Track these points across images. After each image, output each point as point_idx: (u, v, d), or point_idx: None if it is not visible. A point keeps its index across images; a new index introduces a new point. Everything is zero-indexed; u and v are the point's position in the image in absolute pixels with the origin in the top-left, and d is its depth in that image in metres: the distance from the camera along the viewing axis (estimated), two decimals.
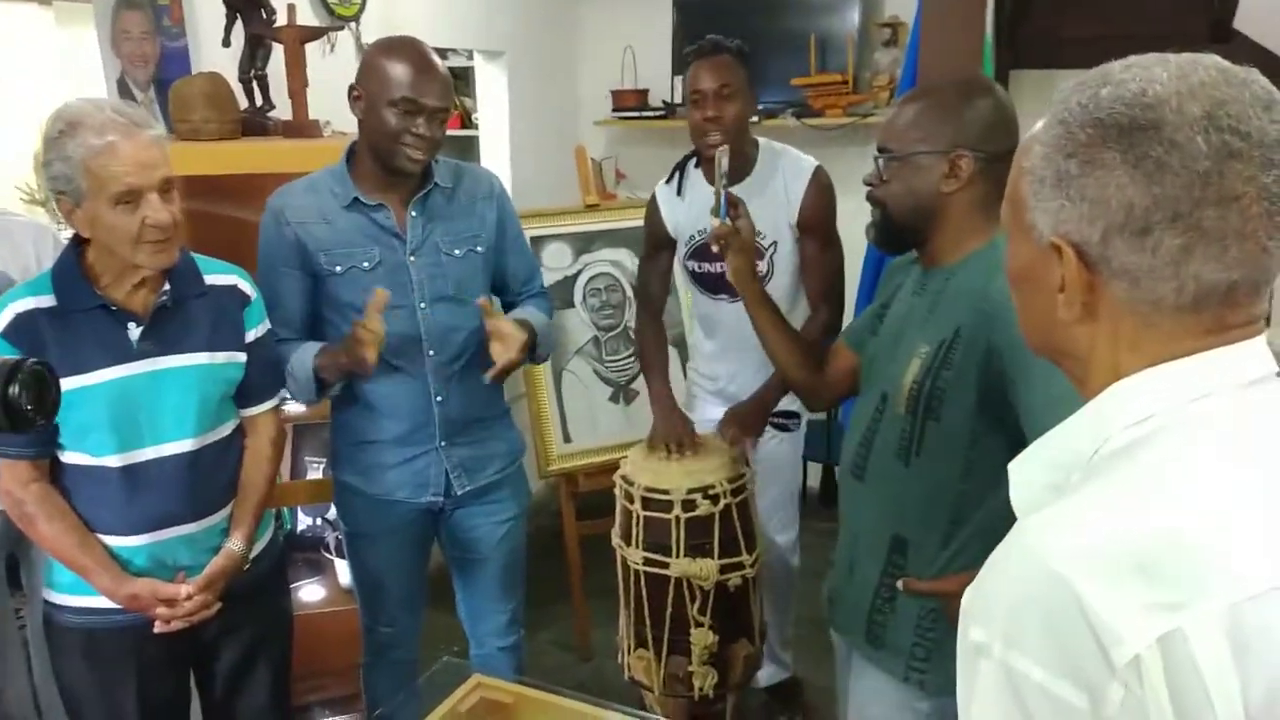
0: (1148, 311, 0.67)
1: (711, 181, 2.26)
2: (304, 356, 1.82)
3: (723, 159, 1.69)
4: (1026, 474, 0.75)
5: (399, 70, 1.75)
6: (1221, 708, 0.55)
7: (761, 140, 2.29)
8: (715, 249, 1.67)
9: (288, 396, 1.79)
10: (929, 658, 1.44)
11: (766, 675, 2.54)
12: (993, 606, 0.63)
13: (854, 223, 2.25)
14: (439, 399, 1.93)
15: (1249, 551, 0.60)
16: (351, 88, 1.81)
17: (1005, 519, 1.32)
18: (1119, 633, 0.56)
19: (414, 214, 1.88)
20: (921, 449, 1.41)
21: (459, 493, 1.99)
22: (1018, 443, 1.26)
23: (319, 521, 2.54)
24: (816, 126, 3.57)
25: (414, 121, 1.76)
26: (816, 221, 2.25)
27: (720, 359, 2.43)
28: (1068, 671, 0.57)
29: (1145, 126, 0.64)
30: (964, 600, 0.66)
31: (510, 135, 3.72)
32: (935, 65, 1.82)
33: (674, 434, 2.16)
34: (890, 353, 1.50)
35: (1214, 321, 0.66)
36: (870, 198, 1.48)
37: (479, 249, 1.95)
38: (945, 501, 1.41)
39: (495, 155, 3.76)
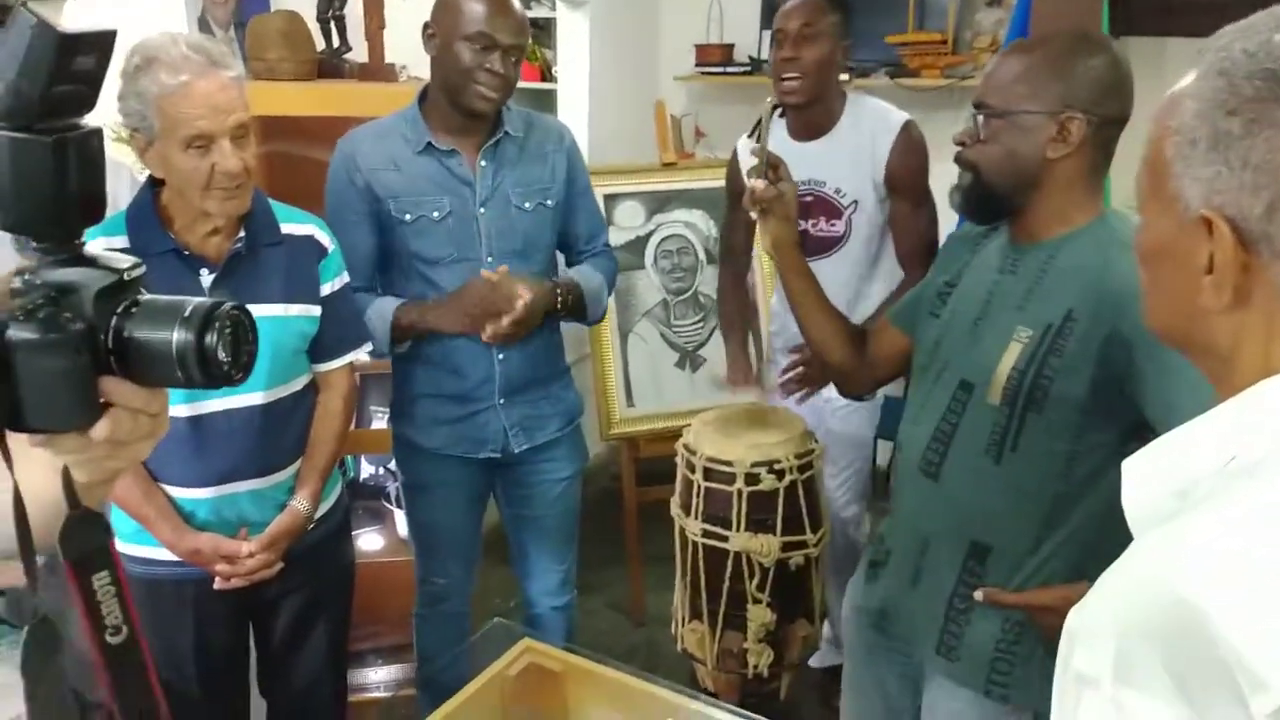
0: None
1: (797, 135, 2.16)
2: (384, 310, 1.80)
3: (768, 113, 1.53)
4: (1146, 475, 0.65)
5: (475, 6, 1.70)
6: None
7: (851, 95, 2.17)
8: (754, 215, 1.50)
9: (365, 353, 1.77)
10: (1012, 670, 1.34)
11: (821, 657, 2.47)
12: (1103, 634, 0.54)
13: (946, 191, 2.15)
14: (500, 357, 1.89)
15: None
16: (426, 25, 1.77)
17: (1103, 525, 1.27)
18: (1263, 677, 0.47)
19: (484, 163, 1.83)
20: (1018, 444, 1.28)
21: (516, 450, 1.96)
22: (1126, 440, 1.23)
23: (381, 471, 2.54)
24: (911, 88, 3.39)
25: (488, 58, 1.71)
26: (907, 179, 2.11)
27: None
28: (1190, 717, 0.49)
29: None
30: (1070, 622, 0.58)
31: (590, 89, 3.64)
32: (1050, 25, 1.67)
33: (745, 381, 2.20)
34: (970, 336, 1.36)
35: None
36: (960, 159, 1.33)
37: (548, 202, 1.89)
38: (1038, 503, 1.30)
39: (573, 110, 3.68)
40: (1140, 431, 1.23)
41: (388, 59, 2.19)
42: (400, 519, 2.37)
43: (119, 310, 0.63)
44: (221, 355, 0.63)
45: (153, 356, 0.62)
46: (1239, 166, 0.57)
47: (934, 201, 2.16)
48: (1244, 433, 0.58)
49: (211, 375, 0.63)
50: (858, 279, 2.20)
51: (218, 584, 1.56)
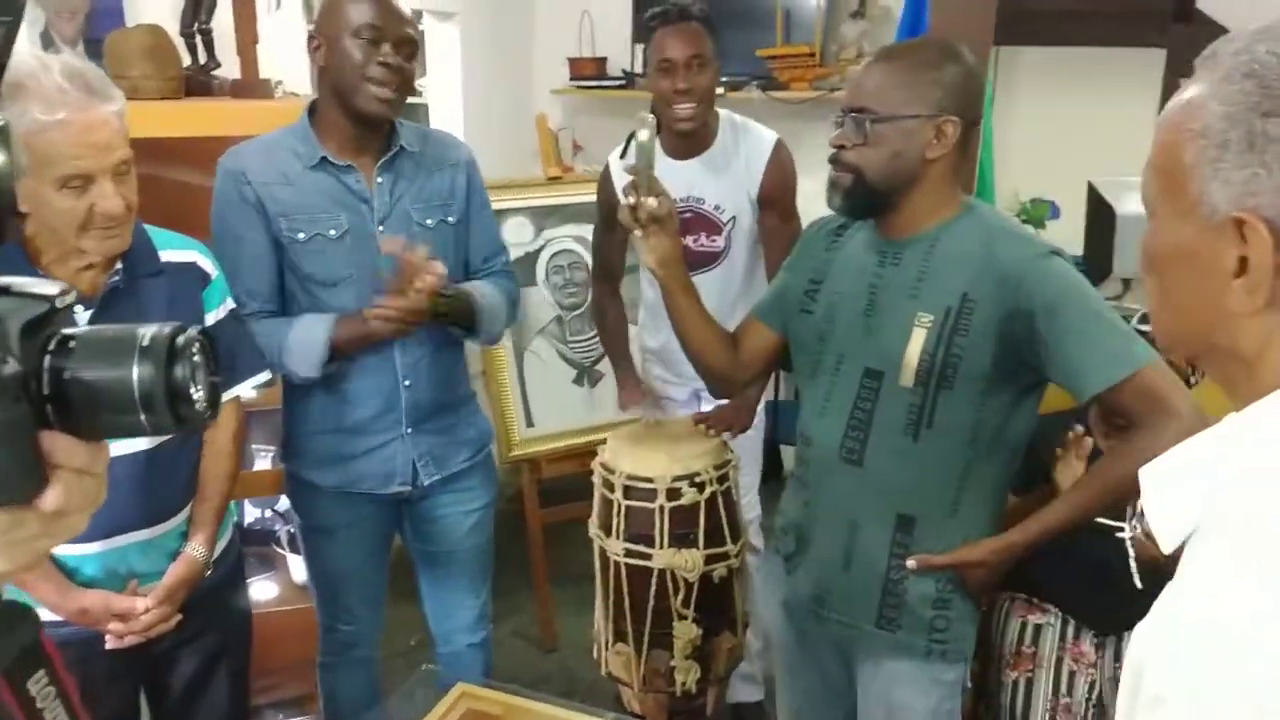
0: None
1: (675, 154, 2.17)
2: (313, 328, 1.68)
3: (650, 134, 1.44)
4: (1170, 483, 0.64)
5: (359, 2, 1.62)
6: None
7: (722, 112, 2.21)
8: (637, 233, 1.46)
9: (254, 386, 1.64)
10: (948, 628, 1.45)
11: (736, 692, 2.47)
12: (1173, 662, 0.53)
13: (820, 198, 2.20)
14: (407, 383, 1.80)
15: None
16: (311, 37, 1.67)
17: (1004, 478, 1.43)
18: None
19: (381, 179, 1.74)
20: (933, 421, 1.38)
21: (426, 482, 1.87)
22: (1021, 399, 1.39)
23: (268, 513, 2.38)
24: (782, 99, 3.48)
25: (379, 50, 1.62)
26: (778, 195, 2.20)
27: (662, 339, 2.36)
28: None
29: None
30: (1141, 650, 0.57)
31: (464, 103, 3.55)
32: (948, 25, 1.73)
33: (639, 400, 2.24)
34: (864, 327, 1.45)
35: None
36: (840, 161, 1.39)
37: (450, 219, 1.82)
38: (954, 470, 1.41)
39: (446, 124, 3.59)
40: (1032, 390, 1.40)
41: (262, 74, 2.05)
42: (294, 564, 2.23)
43: (51, 348, 0.50)
44: (195, 391, 0.52)
45: (107, 401, 0.50)
46: (1278, 167, 0.58)
47: (799, 215, 2.24)
48: (1269, 435, 0.58)
49: (182, 417, 0.52)
50: (736, 291, 2.26)
51: (110, 643, 1.42)
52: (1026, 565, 1.84)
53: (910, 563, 1.41)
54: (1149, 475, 0.66)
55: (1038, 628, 1.93)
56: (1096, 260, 2.32)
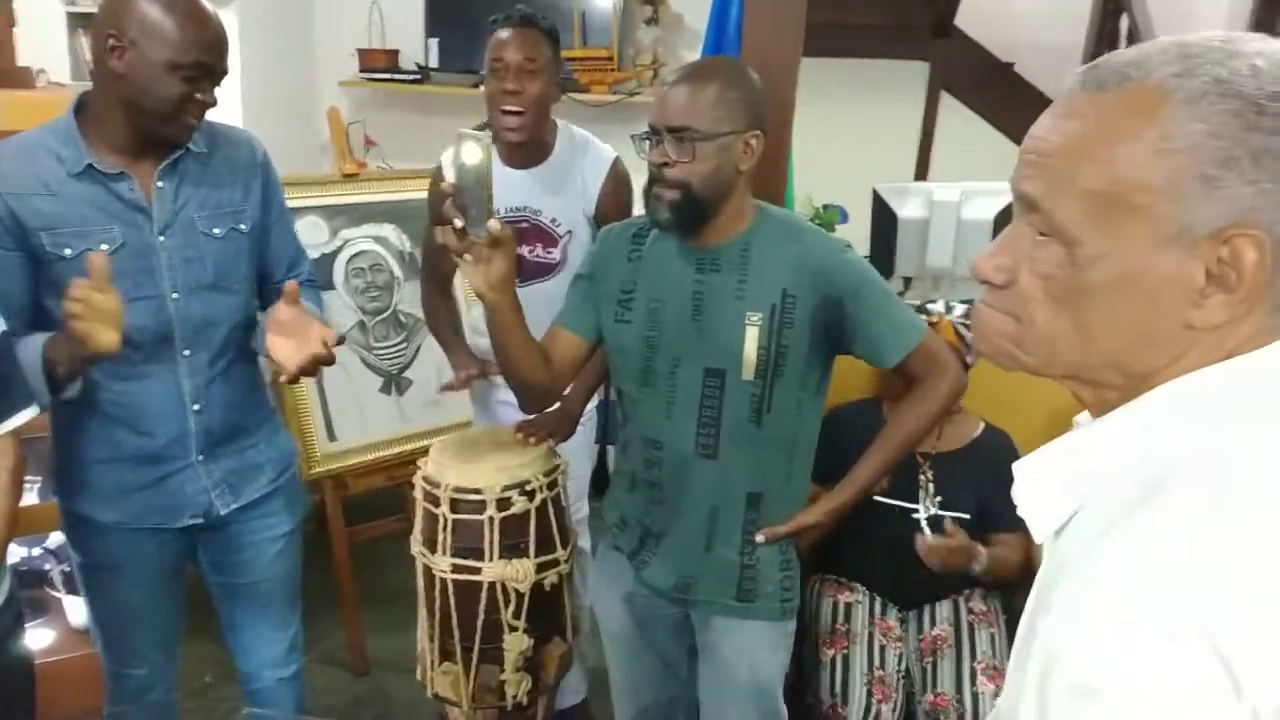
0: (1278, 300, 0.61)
1: (511, 163, 2.12)
2: (31, 348, 1.44)
3: (469, 153, 1.30)
4: (1044, 478, 0.68)
5: (187, 28, 1.45)
6: None
7: (560, 124, 2.18)
8: (467, 258, 1.37)
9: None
10: (791, 587, 1.64)
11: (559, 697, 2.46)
12: (1098, 645, 0.55)
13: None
14: (196, 406, 1.64)
15: None
16: (108, 32, 1.45)
17: (815, 444, 1.62)
18: (1252, 675, 0.51)
19: (161, 185, 1.57)
20: (771, 406, 1.53)
21: (223, 512, 1.72)
22: (825, 373, 1.59)
23: (38, 552, 2.11)
24: (582, 102, 3.49)
25: (200, 87, 1.49)
26: (615, 213, 2.18)
27: None
28: (1190, 709, 0.51)
29: None
30: (1049, 637, 0.58)
31: (243, 95, 3.30)
32: (761, 47, 1.79)
33: (475, 369, 2.18)
34: (696, 331, 1.54)
35: None
36: (666, 179, 1.46)
37: (242, 227, 1.67)
38: (787, 445, 1.58)
39: (221, 116, 3.32)
40: (832, 361, 1.59)
41: (20, 62, 1.81)
42: (72, 606, 1.99)
43: None
44: None
45: None
46: None
47: None
48: (1153, 430, 0.62)
49: None
50: None
51: None
52: (834, 548, 1.96)
53: (759, 537, 1.59)
54: (1023, 469, 0.70)
55: (849, 605, 2.05)
56: (881, 261, 2.49)
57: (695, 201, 1.47)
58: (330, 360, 1.63)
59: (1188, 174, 0.59)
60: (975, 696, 1.86)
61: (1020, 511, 0.70)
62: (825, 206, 2.85)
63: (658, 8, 3.56)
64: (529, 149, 2.11)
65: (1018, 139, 3.08)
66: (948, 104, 4.06)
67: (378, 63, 3.67)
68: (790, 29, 1.77)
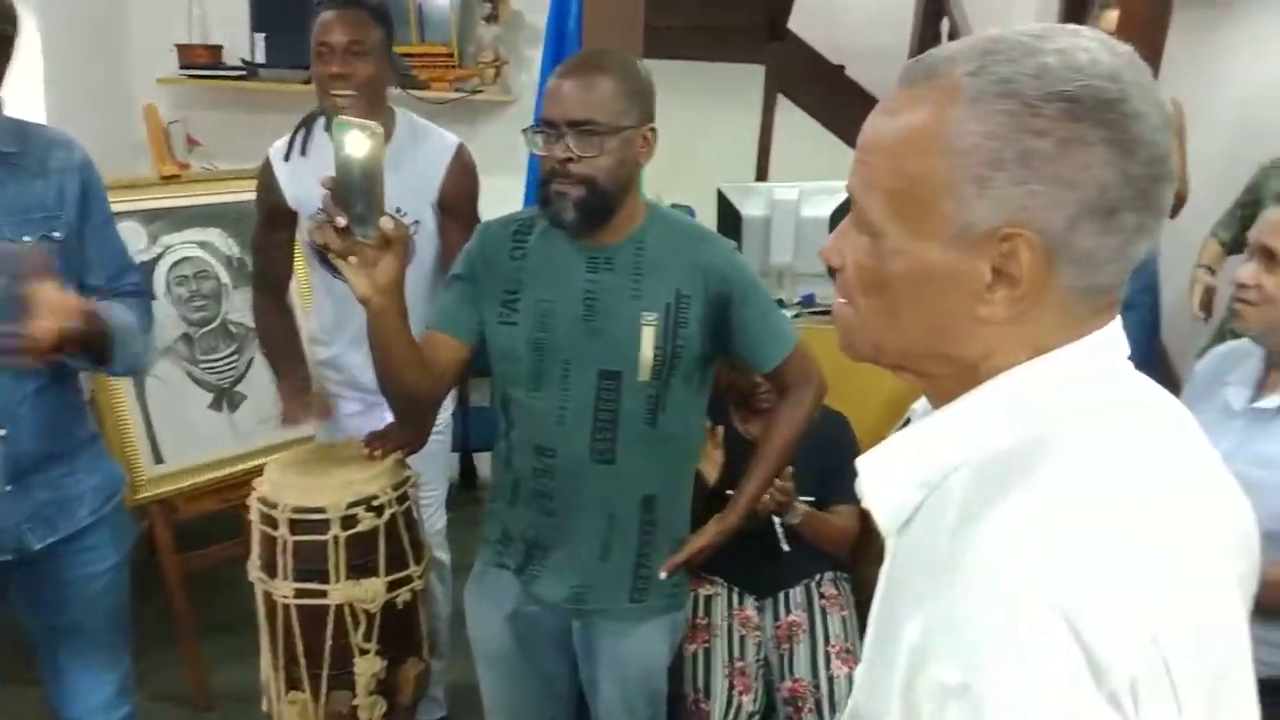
0: (1078, 298, 0.63)
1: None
2: None
3: (353, 144, 1.19)
4: (889, 469, 0.69)
5: None
6: (1187, 702, 0.55)
7: (400, 111, 2.10)
8: (351, 260, 1.25)
9: None
10: (680, 581, 1.64)
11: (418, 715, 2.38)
12: (964, 639, 0.55)
13: (485, 203, 2.19)
14: (3, 432, 1.49)
15: (1188, 533, 0.60)
16: None
17: (700, 441, 1.66)
18: (1111, 662, 0.53)
19: None
20: (666, 406, 1.50)
21: (37, 547, 1.57)
22: (708, 372, 1.57)
23: None
24: (423, 99, 3.38)
25: None
26: (459, 201, 2.13)
27: (354, 349, 2.20)
28: (1058, 697, 0.52)
29: (1117, 99, 0.59)
30: (914, 636, 0.58)
31: (46, 93, 3.03)
32: (600, 41, 1.78)
33: (306, 412, 2.06)
34: (588, 332, 1.48)
35: (1109, 301, 0.65)
36: (569, 175, 1.40)
37: (56, 234, 1.52)
38: (678, 445, 1.57)
39: (23, 115, 3.04)
40: (714, 362, 1.58)
41: None
42: None
43: None
44: None
45: None
46: (1051, 182, 0.59)
47: (480, 219, 2.19)
48: (991, 421, 0.64)
49: None
50: (423, 298, 2.14)
51: None
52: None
53: (662, 574, 1.58)
54: (867, 463, 0.70)
55: (709, 598, 2.07)
56: None
57: (601, 198, 1.42)
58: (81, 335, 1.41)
59: (964, 174, 0.61)
60: (830, 679, 1.91)
61: (866, 504, 0.70)
62: (673, 205, 2.88)
63: (497, 5, 3.50)
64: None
65: (850, 140, 3.18)
66: (785, 105, 4.18)
67: (199, 59, 3.45)
68: (629, 28, 1.76)
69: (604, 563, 1.57)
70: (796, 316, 2.39)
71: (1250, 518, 0.68)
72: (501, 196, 2.33)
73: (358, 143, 1.18)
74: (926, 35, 4.07)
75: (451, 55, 3.45)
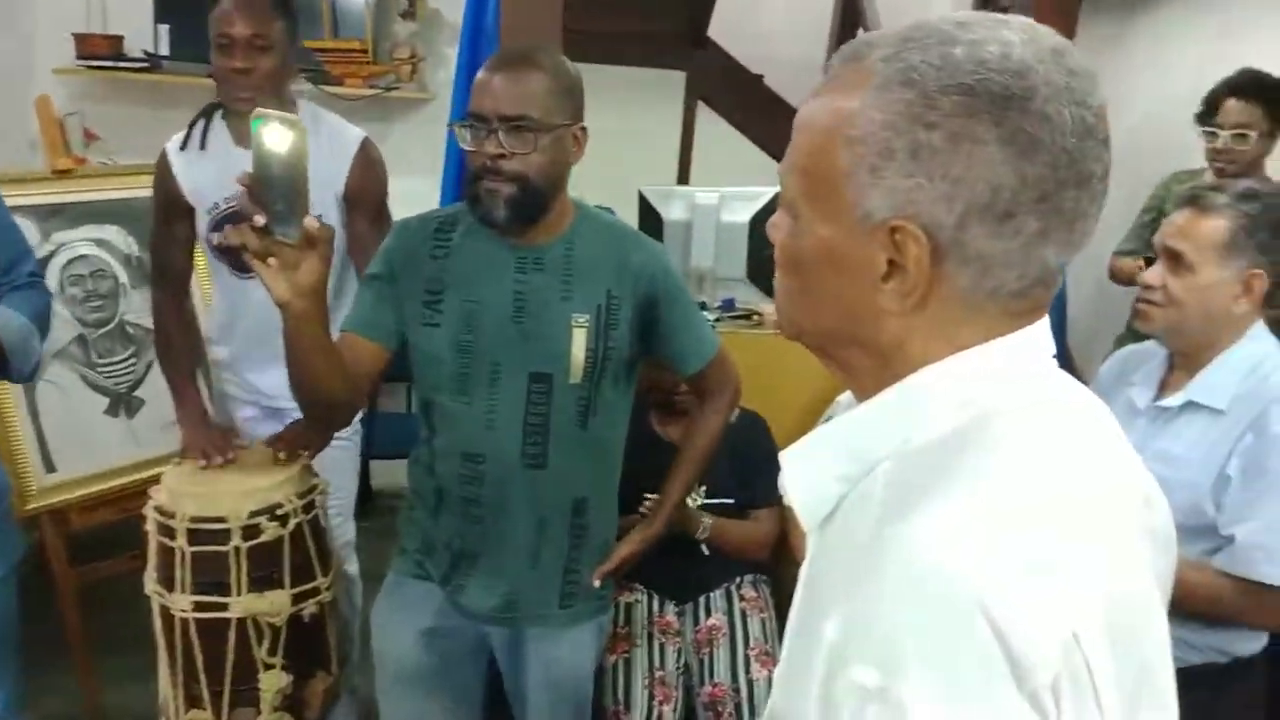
0: (981, 299, 0.61)
1: (245, 143, 1.94)
2: None
3: (273, 135, 1.11)
4: (811, 463, 0.67)
5: None
6: (1106, 701, 0.54)
7: (302, 103, 2.03)
8: (270, 263, 1.16)
9: None
10: (606, 585, 1.62)
11: None
12: (885, 640, 0.53)
13: (398, 203, 2.13)
14: None
15: (1107, 530, 0.59)
16: None
17: (624, 442, 1.60)
18: (1033, 662, 0.52)
19: None
20: (597, 408, 1.49)
21: None
22: (635, 374, 1.57)
23: None
24: (337, 95, 3.30)
25: None
26: (366, 196, 2.06)
27: (250, 351, 2.12)
28: (980, 699, 0.51)
29: (1020, 96, 0.57)
30: (833, 635, 0.56)
31: None
32: (518, 38, 1.74)
33: (212, 446, 1.84)
34: (518, 333, 1.45)
35: (1031, 304, 0.63)
36: (502, 172, 1.36)
37: None
38: (609, 448, 1.56)
39: None
40: (639, 363, 1.57)
41: None
42: None
43: None
44: None
45: None
46: (939, 178, 0.58)
47: (391, 218, 2.13)
48: (917, 419, 0.63)
49: None
50: (329, 298, 2.07)
51: None
52: None
53: (595, 581, 1.58)
54: (790, 458, 0.69)
55: (629, 606, 2.04)
56: None
57: (533, 196, 1.38)
58: None
59: (861, 162, 0.60)
60: (750, 683, 1.91)
61: (788, 500, 0.69)
62: (597, 208, 2.85)
63: (414, 2, 3.44)
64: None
65: (768, 147, 3.24)
66: (705, 112, 4.20)
67: (98, 49, 3.30)
68: (547, 28, 1.73)
69: (534, 569, 1.53)
70: (717, 321, 2.39)
71: (1168, 516, 0.69)
72: (417, 196, 2.27)
73: (279, 137, 1.11)
74: (843, 44, 4.14)
75: (366, 51, 3.38)
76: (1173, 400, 1.48)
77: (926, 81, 0.58)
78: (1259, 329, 1.45)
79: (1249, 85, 2.37)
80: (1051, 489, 0.58)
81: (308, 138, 1.11)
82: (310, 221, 1.13)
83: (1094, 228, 0.62)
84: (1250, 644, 1.46)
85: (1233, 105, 2.35)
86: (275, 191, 1.12)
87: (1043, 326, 0.65)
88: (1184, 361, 1.49)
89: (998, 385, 0.62)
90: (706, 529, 1.99)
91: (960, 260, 0.60)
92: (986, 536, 0.55)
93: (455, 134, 1.43)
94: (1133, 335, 2.34)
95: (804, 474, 0.68)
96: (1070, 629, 0.53)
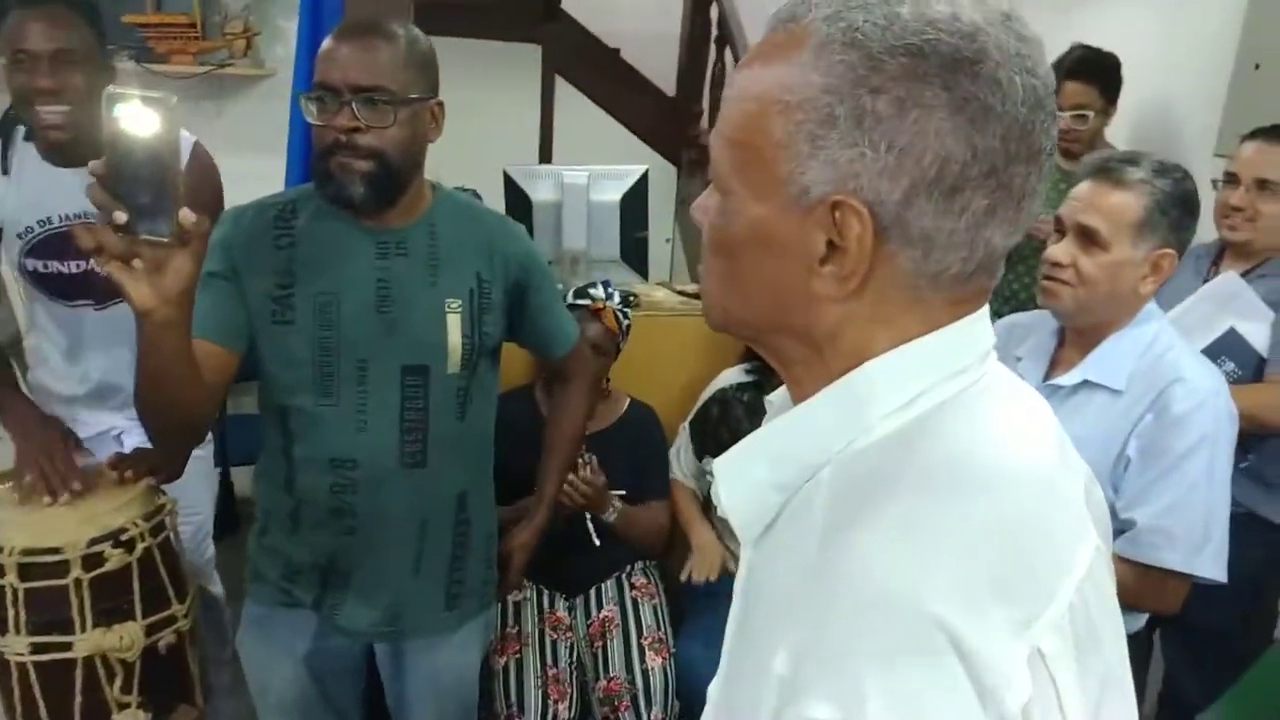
0: (923, 285, 0.56)
1: (60, 159, 1.71)
2: None
3: (129, 114, 0.94)
4: (745, 471, 0.62)
5: None
6: (1072, 716, 0.51)
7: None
8: (136, 265, 0.98)
9: None
10: (489, 580, 1.56)
11: None
12: (841, 671, 0.48)
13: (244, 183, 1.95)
14: None
15: (1064, 531, 0.56)
16: None
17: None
18: (1003, 682, 0.48)
19: None
20: (473, 396, 1.43)
21: None
22: (498, 358, 1.51)
23: None
24: (164, 74, 3.03)
25: None
26: (205, 204, 1.85)
27: (95, 378, 1.90)
28: None
29: (971, 60, 0.52)
30: (784, 668, 0.50)
31: None
32: (364, 8, 1.61)
33: (54, 455, 1.63)
34: (383, 324, 1.34)
35: (974, 291, 0.59)
36: (356, 147, 1.25)
37: None
38: (485, 435, 1.50)
39: None
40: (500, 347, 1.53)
41: None
42: None
43: None
44: None
45: None
46: (884, 149, 0.53)
47: None
48: (858, 419, 0.58)
49: None
50: None
51: None
52: None
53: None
54: (723, 466, 0.63)
55: (517, 605, 1.98)
56: None
57: (391, 174, 1.28)
58: None
59: (800, 131, 0.55)
60: (646, 673, 1.88)
61: (723, 511, 0.63)
62: (458, 189, 2.72)
63: None
64: (81, 141, 1.67)
65: (627, 123, 3.18)
66: (563, 87, 4.11)
67: None
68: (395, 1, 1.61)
69: (417, 575, 1.44)
70: (626, 304, 2.32)
71: (1102, 499, 0.67)
72: (259, 179, 2.08)
73: (140, 119, 0.93)
74: (697, 20, 4.12)
75: (194, 26, 3.12)
76: (1067, 379, 1.41)
77: (871, 42, 0.53)
78: (1151, 306, 1.40)
79: (1082, 66, 2.46)
80: (1005, 494, 0.54)
81: (178, 114, 0.94)
82: (186, 214, 0.96)
83: (1039, 209, 0.58)
84: (1134, 623, 1.44)
85: (1070, 88, 2.44)
86: (138, 184, 0.95)
87: (983, 315, 0.61)
88: (1077, 339, 1.43)
89: (942, 381, 0.58)
90: (615, 512, 1.96)
91: (903, 240, 0.55)
92: (942, 551, 0.51)
93: (301, 108, 1.29)
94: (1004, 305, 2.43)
95: (739, 484, 0.62)
96: (1035, 647, 0.50)
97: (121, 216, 0.94)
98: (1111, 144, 2.51)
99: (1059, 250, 1.37)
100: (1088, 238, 1.34)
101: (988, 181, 0.54)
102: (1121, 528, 1.34)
